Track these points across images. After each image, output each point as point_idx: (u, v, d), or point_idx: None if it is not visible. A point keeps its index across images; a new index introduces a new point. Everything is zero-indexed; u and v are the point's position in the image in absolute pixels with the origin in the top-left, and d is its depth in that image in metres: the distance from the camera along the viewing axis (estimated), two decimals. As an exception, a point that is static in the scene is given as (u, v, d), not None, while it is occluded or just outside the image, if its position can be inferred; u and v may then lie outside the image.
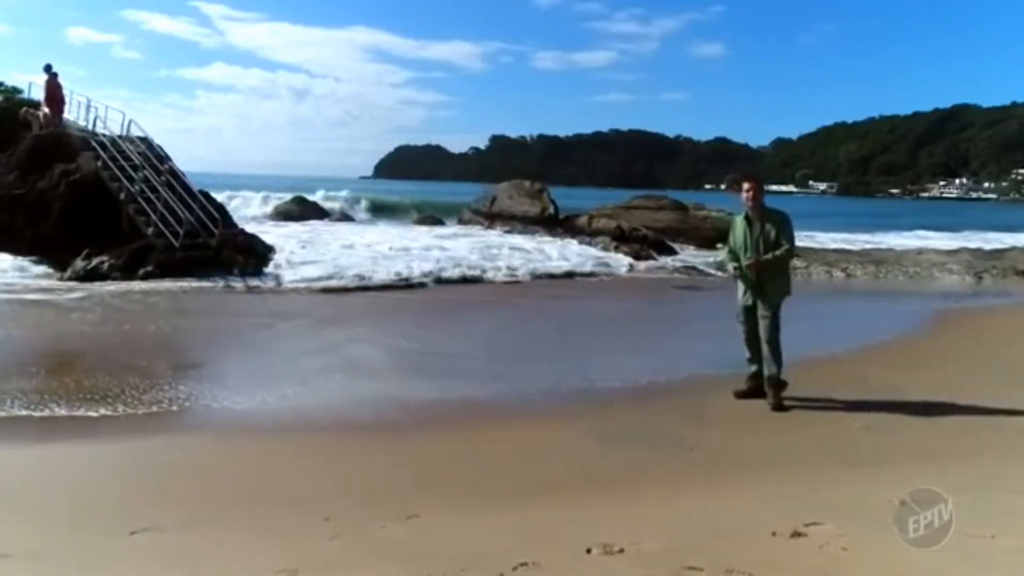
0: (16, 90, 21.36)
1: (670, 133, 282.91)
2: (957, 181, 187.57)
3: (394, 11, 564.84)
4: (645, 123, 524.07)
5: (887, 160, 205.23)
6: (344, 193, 39.25)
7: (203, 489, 4.06)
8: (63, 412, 5.59)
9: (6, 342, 8.20)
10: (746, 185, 6.09)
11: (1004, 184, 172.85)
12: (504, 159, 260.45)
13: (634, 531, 3.05)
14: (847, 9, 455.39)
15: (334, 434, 5.14)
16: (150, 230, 14.51)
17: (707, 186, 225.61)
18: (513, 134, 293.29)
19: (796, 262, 18.80)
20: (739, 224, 6.18)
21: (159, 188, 14.96)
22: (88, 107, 18.91)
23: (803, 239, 29.20)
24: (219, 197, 19.39)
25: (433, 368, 7.32)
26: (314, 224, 28.92)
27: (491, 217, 29.87)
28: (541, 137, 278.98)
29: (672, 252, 22.70)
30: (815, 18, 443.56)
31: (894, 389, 6.35)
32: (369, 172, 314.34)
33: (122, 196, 15.03)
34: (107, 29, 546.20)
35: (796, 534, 2.97)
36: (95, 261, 14.11)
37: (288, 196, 36.00)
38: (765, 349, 5.89)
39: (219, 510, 3.70)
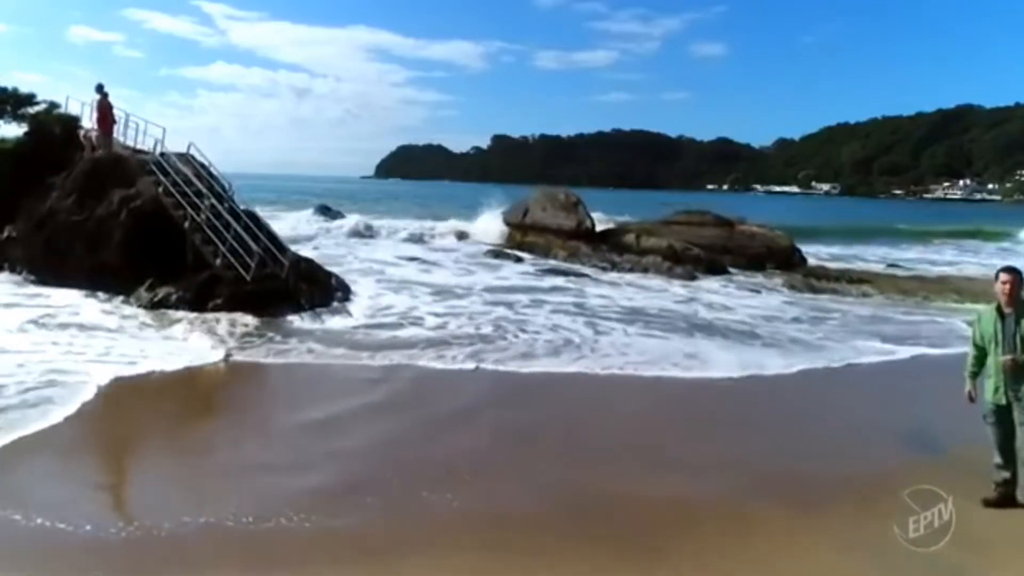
0: (55, 104, 20.78)
1: (672, 133, 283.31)
2: (961, 182, 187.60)
3: (395, 10, 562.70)
4: (647, 123, 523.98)
5: (890, 161, 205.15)
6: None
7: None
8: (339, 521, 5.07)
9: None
10: (1004, 276, 5.52)
11: (1008, 185, 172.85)
12: (506, 159, 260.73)
13: None
14: (849, 9, 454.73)
15: (579, 548, 4.61)
16: (218, 261, 13.99)
17: (709, 186, 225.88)
18: (515, 134, 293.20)
19: (867, 288, 18.20)
20: (988, 316, 5.64)
21: (224, 215, 14.44)
22: (127, 123, 18.44)
23: (852, 260, 28.70)
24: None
25: (609, 453, 6.72)
26: (329, 240, 27.82)
27: (523, 229, 29.29)
28: (543, 137, 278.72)
29: (725, 272, 22.23)
30: (817, 18, 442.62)
31: None
32: (371, 172, 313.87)
33: (187, 224, 14.50)
34: (108, 28, 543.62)
35: None
36: (161, 292, 13.65)
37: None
38: None
39: None
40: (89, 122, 18.81)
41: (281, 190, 67.95)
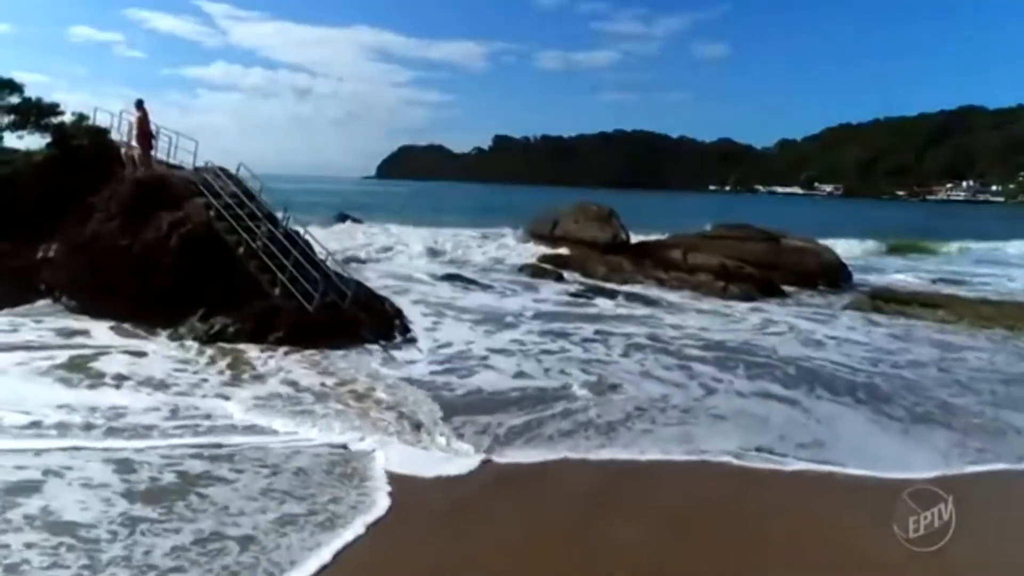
0: (83, 116, 19.90)
1: (674, 133, 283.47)
2: (964, 183, 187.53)
3: (397, 10, 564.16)
4: (648, 123, 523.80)
5: (893, 162, 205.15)
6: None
7: None
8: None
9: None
10: None
11: (1011, 187, 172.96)
12: (507, 159, 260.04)
13: None
14: (851, 9, 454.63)
15: None
16: (276, 290, 13.15)
17: (711, 187, 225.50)
18: (516, 134, 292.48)
19: (944, 315, 17.20)
20: None
21: (281, 240, 13.60)
22: (157, 135, 17.59)
23: (879, 273, 27.51)
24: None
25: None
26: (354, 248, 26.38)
27: (553, 241, 28.47)
28: (544, 137, 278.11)
29: (781, 293, 21.32)
30: (818, 18, 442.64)
31: None
32: (372, 172, 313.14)
33: (241, 251, 13.66)
34: (109, 28, 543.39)
35: None
36: (218, 324, 12.81)
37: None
38: None
39: None
40: (118, 134, 18.04)
41: (284, 192, 66.62)
